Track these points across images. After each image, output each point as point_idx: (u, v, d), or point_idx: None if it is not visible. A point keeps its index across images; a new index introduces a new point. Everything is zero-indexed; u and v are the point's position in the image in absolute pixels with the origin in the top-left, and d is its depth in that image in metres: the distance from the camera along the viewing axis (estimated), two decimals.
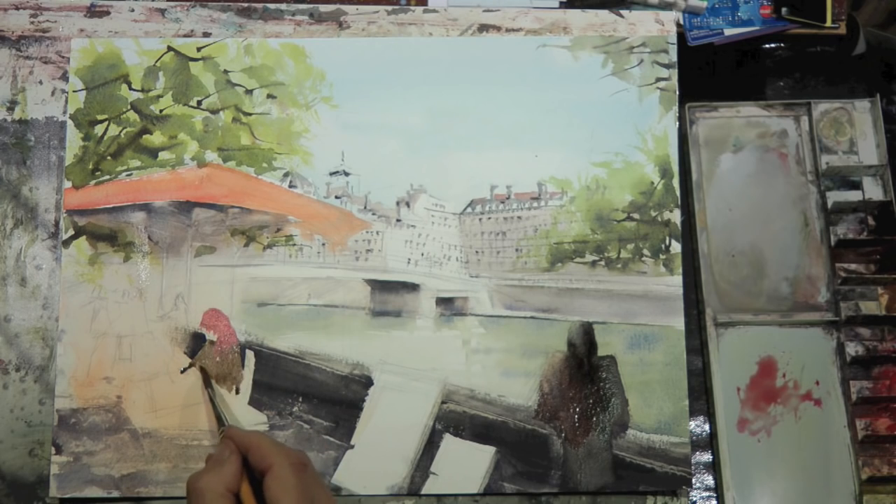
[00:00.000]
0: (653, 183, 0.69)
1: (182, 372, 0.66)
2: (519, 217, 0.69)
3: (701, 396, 0.67)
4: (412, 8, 0.72)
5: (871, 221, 0.69)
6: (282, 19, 0.71)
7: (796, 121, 0.72)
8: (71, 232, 0.67)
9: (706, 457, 0.67)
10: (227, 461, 0.54)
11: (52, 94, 0.70)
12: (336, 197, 0.69)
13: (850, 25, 0.73)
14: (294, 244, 0.68)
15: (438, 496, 0.65)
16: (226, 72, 0.70)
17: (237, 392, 0.66)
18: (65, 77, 0.70)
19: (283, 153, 0.69)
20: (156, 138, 0.69)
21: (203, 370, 0.66)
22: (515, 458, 0.65)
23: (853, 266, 0.68)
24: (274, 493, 0.52)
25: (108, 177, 0.68)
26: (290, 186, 0.69)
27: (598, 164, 0.69)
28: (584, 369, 0.66)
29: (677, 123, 0.70)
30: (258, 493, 0.53)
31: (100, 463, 0.64)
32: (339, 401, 0.66)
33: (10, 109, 0.69)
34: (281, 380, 0.66)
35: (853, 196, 0.70)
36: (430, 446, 0.65)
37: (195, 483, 0.53)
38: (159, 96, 0.69)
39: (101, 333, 0.66)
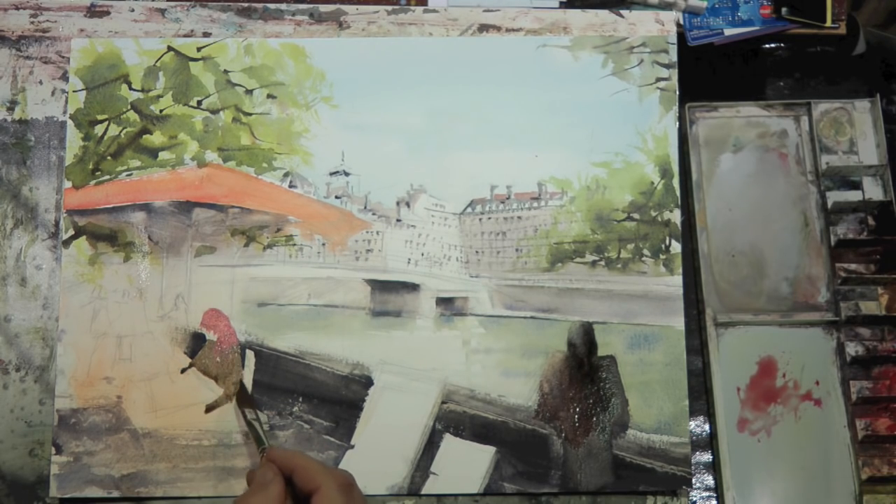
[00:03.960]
0: (653, 183, 0.69)
1: (182, 372, 0.66)
2: (519, 217, 0.69)
3: (701, 396, 0.67)
4: (412, 8, 0.72)
5: (871, 221, 0.69)
6: (282, 19, 0.71)
7: (796, 121, 0.72)
8: (71, 232, 0.67)
9: (706, 457, 0.67)
10: (272, 483, 0.54)
11: (52, 94, 0.70)
12: (336, 197, 0.69)
13: (850, 25, 0.73)
14: (294, 244, 0.68)
15: (438, 496, 0.65)
16: (226, 72, 0.70)
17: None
18: (65, 77, 0.70)
19: (283, 153, 0.69)
20: (156, 138, 0.69)
21: (243, 388, 0.65)
22: (515, 458, 0.65)
23: (853, 266, 0.68)
24: None
25: (108, 177, 0.68)
26: (290, 186, 0.69)
27: (598, 164, 0.69)
28: (584, 369, 0.66)
29: (677, 123, 0.70)
30: None
31: (100, 463, 0.64)
32: (339, 401, 0.66)
33: (10, 109, 0.69)
34: (281, 380, 0.66)
35: (853, 196, 0.70)
36: (430, 446, 0.65)
37: None
38: (159, 96, 0.69)
39: (101, 333, 0.66)
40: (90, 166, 0.68)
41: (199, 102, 0.69)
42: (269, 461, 0.56)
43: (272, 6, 0.71)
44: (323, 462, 0.64)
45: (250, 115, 0.69)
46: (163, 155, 0.69)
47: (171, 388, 0.65)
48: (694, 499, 0.66)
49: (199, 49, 0.70)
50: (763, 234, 0.70)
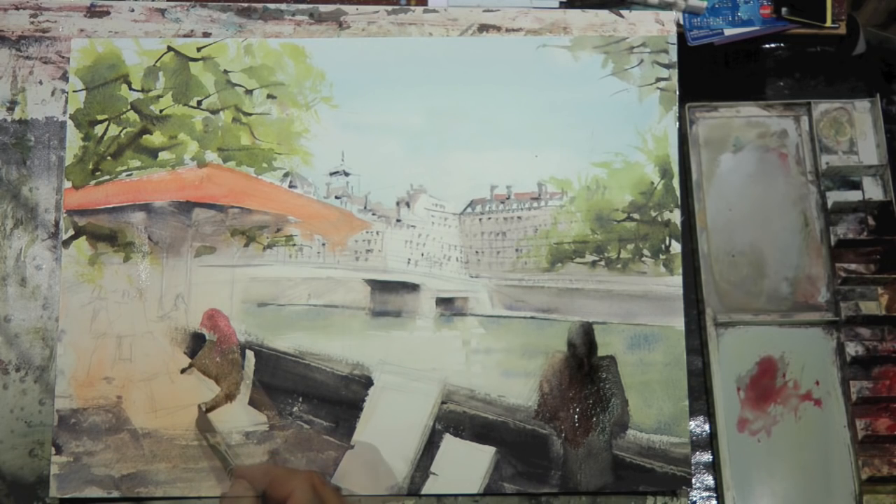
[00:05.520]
0: (653, 183, 0.69)
1: (182, 372, 0.66)
2: (519, 217, 0.69)
3: (701, 396, 0.67)
4: (412, 8, 0.72)
5: (871, 221, 0.69)
6: (282, 19, 0.71)
7: (796, 121, 0.72)
8: (71, 232, 0.67)
9: (706, 457, 0.67)
10: (242, 499, 0.55)
11: (52, 94, 0.70)
12: (336, 197, 0.69)
13: (850, 25, 0.73)
14: (294, 244, 0.68)
15: (438, 496, 0.65)
16: (226, 72, 0.70)
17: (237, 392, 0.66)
18: (65, 77, 0.70)
19: (283, 153, 0.69)
20: (156, 138, 0.69)
21: (202, 414, 0.65)
22: (515, 459, 0.65)
23: (853, 266, 0.68)
24: None
25: (108, 177, 0.68)
26: (290, 186, 0.69)
27: (598, 164, 0.69)
28: (584, 369, 0.66)
29: (677, 123, 0.70)
30: None
31: (100, 463, 0.64)
32: (339, 401, 0.66)
33: (10, 109, 0.69)
34: (281, 380, 0.66)
35: (853, 196, 0.70)
36: (430, 446, 0.65)
37: None
38: (159, 96, 0.69)
39: (101, 333, 0.66)
40: (90, 166, 0.68)
41: (199, 102, 0.69)
42: (239, 478, 0.57)
43: (272, 6, 0.71)
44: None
45: (250, 115, 0.69)
46: (163, 155, 0.69)
47: (171, 388, 0.65)
48: (694, 499, 0.66)
49: (199, 49, 0.70)
50: (763, 234, 0.70)
